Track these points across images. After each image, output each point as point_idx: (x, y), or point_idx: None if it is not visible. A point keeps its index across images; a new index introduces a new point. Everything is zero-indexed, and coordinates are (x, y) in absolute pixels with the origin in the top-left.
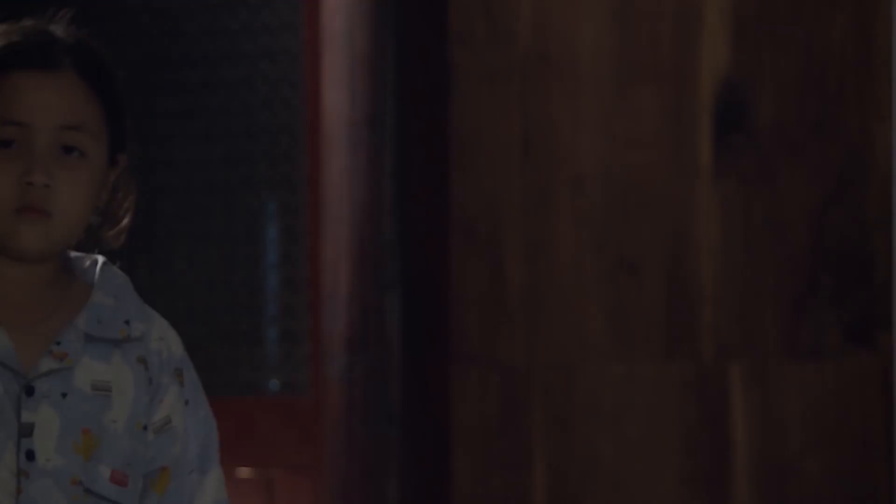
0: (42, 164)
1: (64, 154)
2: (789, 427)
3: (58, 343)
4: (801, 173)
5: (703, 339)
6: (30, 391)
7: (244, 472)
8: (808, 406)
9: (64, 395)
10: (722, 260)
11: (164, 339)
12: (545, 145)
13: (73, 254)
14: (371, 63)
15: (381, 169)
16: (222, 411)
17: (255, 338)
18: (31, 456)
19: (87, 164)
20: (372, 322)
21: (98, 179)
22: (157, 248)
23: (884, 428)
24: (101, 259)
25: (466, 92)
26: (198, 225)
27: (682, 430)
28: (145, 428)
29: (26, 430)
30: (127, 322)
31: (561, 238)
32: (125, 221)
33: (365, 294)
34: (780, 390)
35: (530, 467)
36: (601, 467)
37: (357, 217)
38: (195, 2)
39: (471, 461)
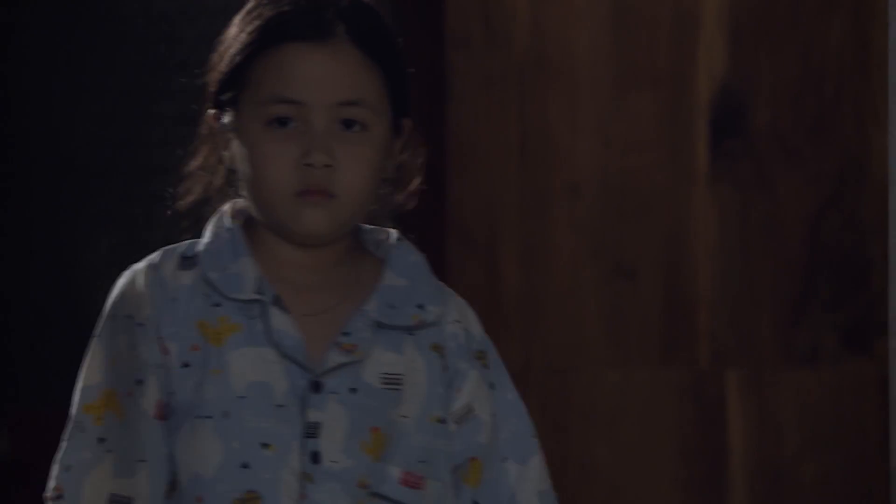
0: (322, 143)
1: (344, 129)
2: (786, 432)
3: (346, 334)
4: (797, 178)
5: (700, 345)
6: (316, 387)
7: None
8: (805, 411)
9: (353, 390)
10: (718, 265)
11: (461, 321)
12: (542, 150)
13: (366, 227)
14: None
15: None
16: None
17: None
18: (316, 458)
19: (369, 137)
20: None
21: (382, 152)
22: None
23: (880, 434)
24: (394, 234)
25: (463, 96)
26: (194, 230)
27: (679, 435)
28: (442, 421)
29: (312, 430)
30: (420, 306)
31: (558, 242)
32: (415, 182)
33: None
34: (777, 396)
35: None
36: (598, 472)
37: None
38: (192, 8)
39: None
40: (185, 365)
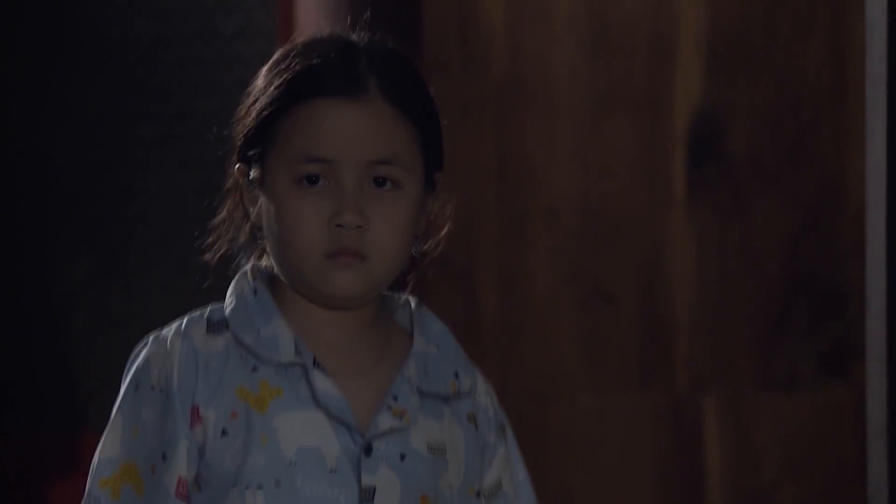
0: (353, 204)
1: (376, 188)
2: (763, 458)
3: (395, 398)
4: (774, 203)
5: (678, 370)
6: (368, 450)
7: None
8: (782, 437)
9: (402, 456)
10: (696, 290)
11: (488, 392)
12: (520, 173)
13: (385, 293)
14: None
15: None
16: None
17: None
18: None
19: (401, 195)
20: None
21: (415, 209)
22: (132, 277)
23: (858, 459)
24: (413, 301)
25: (441, 119)
26: (172, 254)
27: (657, 460)
28: (478, 494)
29: (367, 495)
30: (456, 375)
31: (535, 267)
32: (443, 231)
33: None
34: (755, 421)
35: None
36: (576, 497)
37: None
38: (170, 32)
39: None
40: (224, 433)
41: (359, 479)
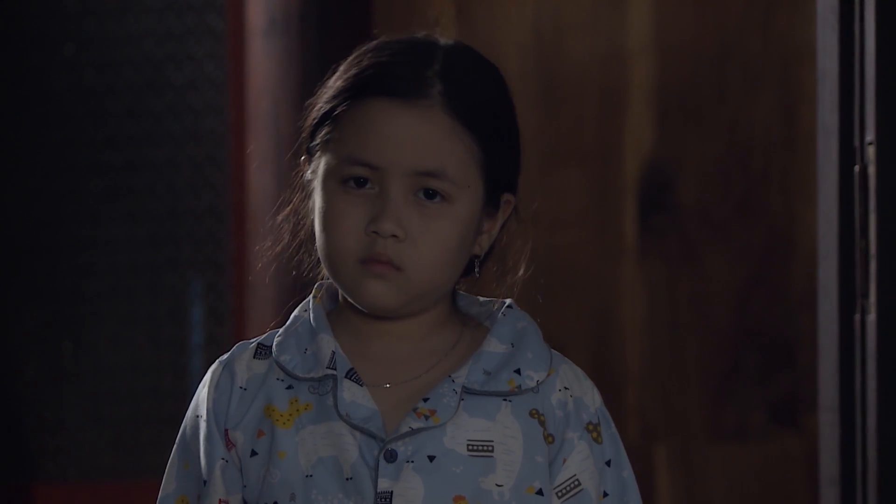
0: (391, 213)
1: (424, 199)
2: None
3: (425, 400)
4: (725, 254)
5: (629, 420)
6: (390, 456)
7: None
8: (733, 487)
9: (431, 458)
10: (647, 341)
11: (570, 388)
12: None
13: (482, 299)
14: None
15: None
16: (148, 494)
17: (180, 420)
18: None
19: (449, 211)
20: None
21: (464, 226)
22: (82, 329)
23: None
24: (507, 302)
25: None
26: (123, 306)
27: None
28: (540, 492)
29: (383, 500)
30: (517, 371)
31: None
32: (520, 272)
33: None
34: (705, 471)
35: None
36: None
37: (283, 298)
38: (120, 83)
39: None
40: (254, 454)
41: (375, 485)
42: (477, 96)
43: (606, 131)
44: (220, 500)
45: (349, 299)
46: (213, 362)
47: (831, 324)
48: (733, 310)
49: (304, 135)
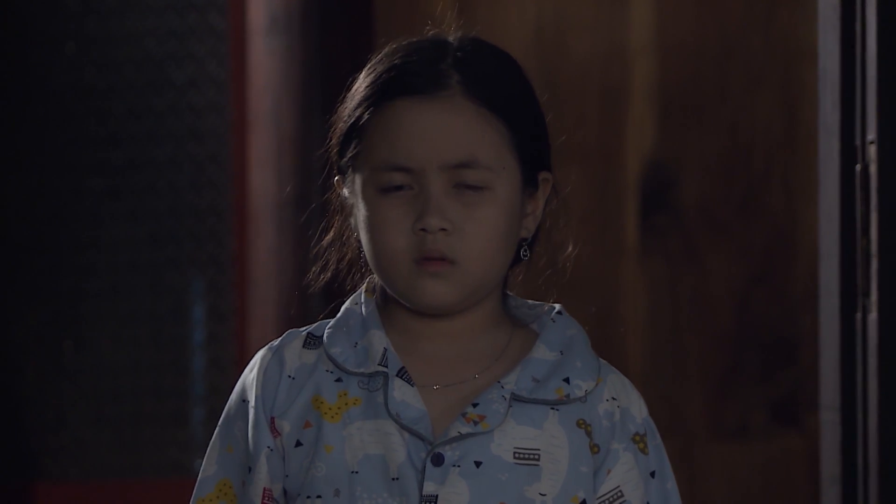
0: (435, 207)
1: (464, 189)
2: None
3: (474, 405)
4: (726, 252)
5: None
6: (437, 460)
7: None
8: (735, 486)
9: (478, 463)
10: (648, 340)
11: (617, 398)
12: None
13: (530, 302)
14: (298, 143)
15: (309, 249)
16: (149, 493)
17: (181, 418)
18: None
19: (490, 197)
20: None
21: (508, 211)
22: (83, 328)
23: None
24: (556, 308)
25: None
26: (124, 305)
27: None
28: (584, 503)
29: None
30: (566, 380)
31: None
32: (569, 248)
33: None
34: (707, 470)
35: None
36: None
37: (284, 297)
38: (122, 82)
39: None
40: (298, 444)
41: (420, 488)
42: (495, 79)
43: (607, 130)
44: (264, 488)
45: (402, 300)
46: (213, 361)
47: (832, 322)
48: (734, 309)
49: (332, 153)
